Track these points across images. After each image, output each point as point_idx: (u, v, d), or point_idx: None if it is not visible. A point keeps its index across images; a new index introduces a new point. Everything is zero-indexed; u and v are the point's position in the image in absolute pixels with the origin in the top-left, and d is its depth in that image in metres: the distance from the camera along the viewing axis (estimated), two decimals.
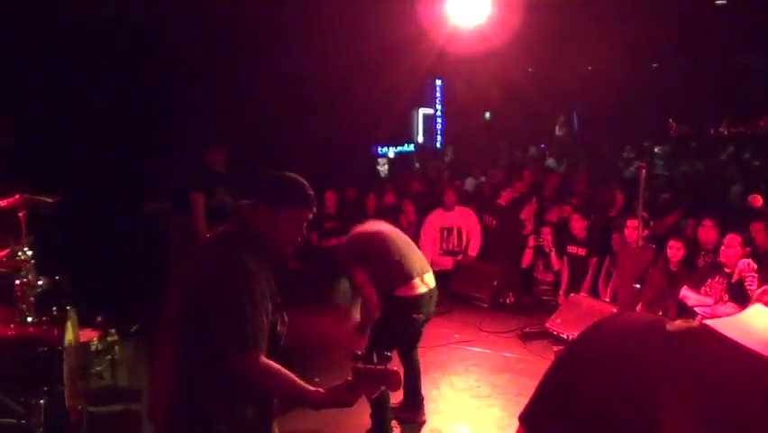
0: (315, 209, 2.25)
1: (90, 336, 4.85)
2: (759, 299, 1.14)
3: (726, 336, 1.07)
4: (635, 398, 1.03)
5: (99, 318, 5.05)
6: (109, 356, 4.79)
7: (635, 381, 1.05)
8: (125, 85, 7.81)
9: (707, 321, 1.12)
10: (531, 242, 7.40)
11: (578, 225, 6.93)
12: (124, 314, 4.97)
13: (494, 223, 7.89)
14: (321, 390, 2.06)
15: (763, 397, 0.98)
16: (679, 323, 1.12)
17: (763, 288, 1.17)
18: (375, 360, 1.94)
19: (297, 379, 2.09)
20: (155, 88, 8.03)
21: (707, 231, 5.26)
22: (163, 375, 2.20)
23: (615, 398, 1.05)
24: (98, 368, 4.76)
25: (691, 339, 1.08)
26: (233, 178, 5.85)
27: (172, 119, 8.08)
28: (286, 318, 2.24)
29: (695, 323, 1.12)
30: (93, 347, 4.84)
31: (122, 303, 5.20)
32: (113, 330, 4.92)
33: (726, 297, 4.74)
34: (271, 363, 2.06)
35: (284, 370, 2.08)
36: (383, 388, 2.13)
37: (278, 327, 2.18)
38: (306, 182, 2.25)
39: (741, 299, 4.64)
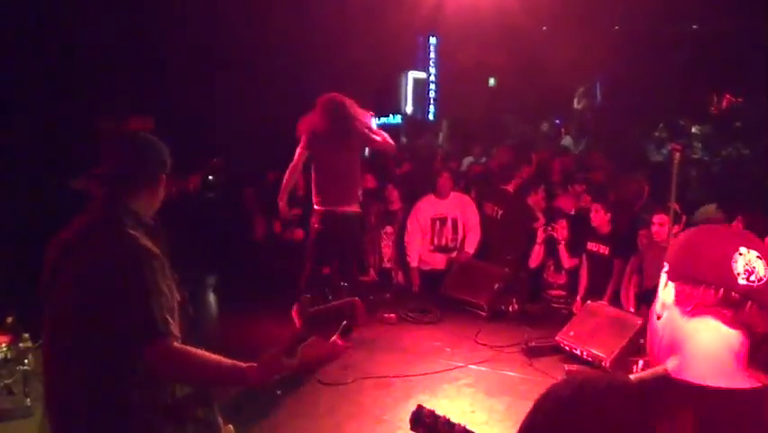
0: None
1: None
2: (704, 311, 1.29)
3: (694, 384, 1.24)
4: None
5: (9, 320, 4.99)
6: (20, 367, 4.72)
7: None
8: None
9: (668, 366, 1.29)
10: (540, 235, 7.36)
11: (599, 217, 6.89)
12: (41, 316, 4.89)
13: (499, 213, 7.84)
14: (254, 364, 2.08)
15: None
16: (641, 374, 1.29)
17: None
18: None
19: (222, 359, 2.10)
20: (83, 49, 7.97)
21: None
22: (55, 387, 2.27)
23: None
24: (7, 381, 4.71)
25: (661, 393, 1.24)
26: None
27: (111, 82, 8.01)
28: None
29: (659, 370, 1.29)
30: (1, 355, 4.79)
31: (38, 302, 5.12)
32: (26, 335, 4.86)
33: None
34: (188, 347, 2.09)
35: (204, 352, 2.10)
36: (344, 323, 2.18)
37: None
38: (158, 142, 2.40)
39: None
